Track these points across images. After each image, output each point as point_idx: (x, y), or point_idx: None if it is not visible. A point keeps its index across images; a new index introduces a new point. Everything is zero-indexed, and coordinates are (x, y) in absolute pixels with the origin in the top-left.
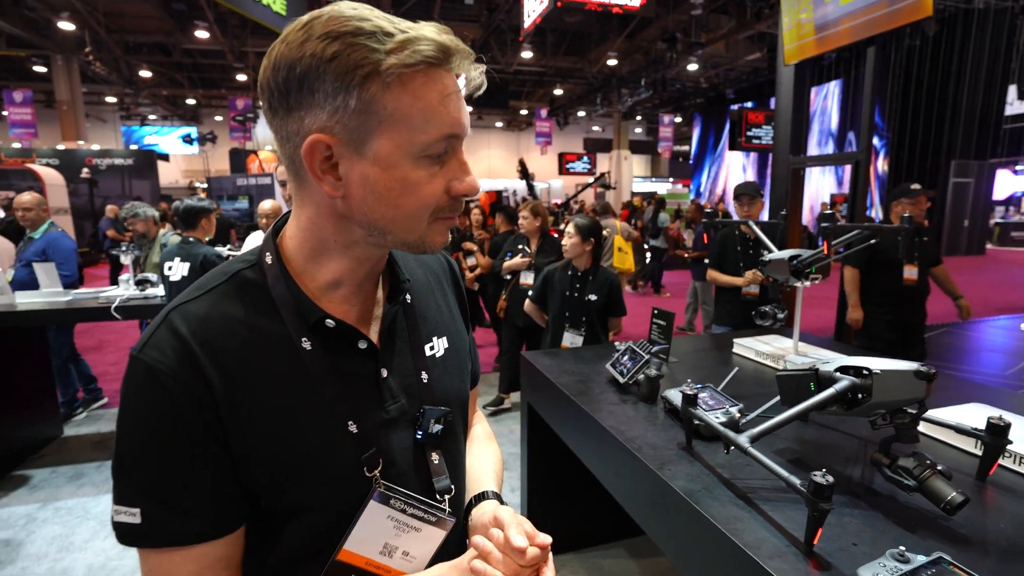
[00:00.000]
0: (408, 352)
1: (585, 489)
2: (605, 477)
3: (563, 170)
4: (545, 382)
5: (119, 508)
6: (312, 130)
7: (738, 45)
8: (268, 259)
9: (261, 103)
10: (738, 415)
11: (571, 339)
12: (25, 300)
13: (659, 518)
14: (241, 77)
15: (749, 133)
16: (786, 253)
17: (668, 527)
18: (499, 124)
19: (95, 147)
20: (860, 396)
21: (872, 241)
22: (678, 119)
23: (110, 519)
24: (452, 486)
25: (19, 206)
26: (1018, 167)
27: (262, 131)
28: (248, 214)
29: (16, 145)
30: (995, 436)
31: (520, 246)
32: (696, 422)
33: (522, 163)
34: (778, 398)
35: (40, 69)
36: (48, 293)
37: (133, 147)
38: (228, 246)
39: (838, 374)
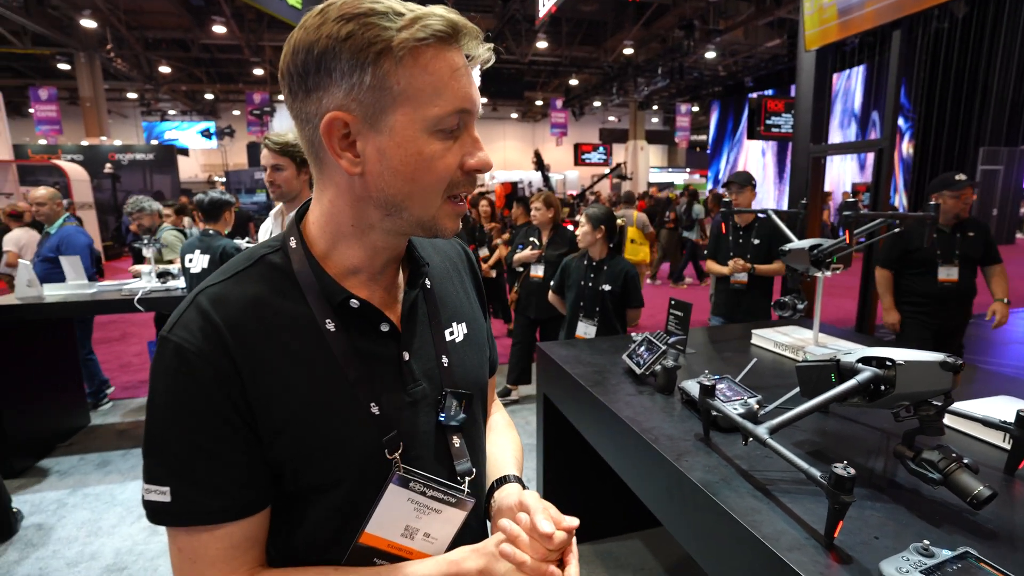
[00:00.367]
0: (429, 337)
1: (600, 480)
2: (621, 468)
3: (579, 161)
4: (561, 373)
5: (149, 487)
6: (330, 108)
7: (757, 31)
8: (292, 243)
9: (282, 90)
10: (756, 406)
11: (585, 329)
12: (52, 292)
13: (676, 509)
14: (258, 71)
15: (768, 121)
16: (806, 242)
17: (685, 519)
18: (514, 115)
19: (117, 143)
20: (883, 388)
21: (896, 230)
22: (695, 108)
23: (141, 499)
24: (473, 469)
25: (33, 201)
26: None
27: (279, 125)
28: (266, 207)
29: (42, 142)
30: None
31: (531, 238)
32: (714, 413)
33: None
34: (797, 389)
35: (64, 67)
36: (74, 285)
37: (154, 142)
38: (247, 239)
39: (860, 365)
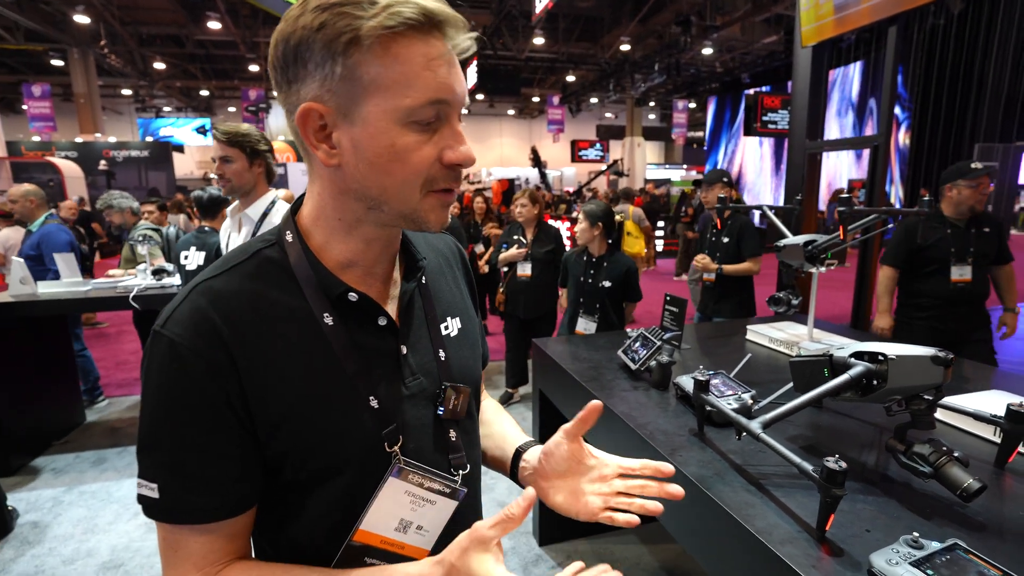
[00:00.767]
0: (425, 331)
1: None
2: None
3: (576, 157)
4: (557, 369)
5: (141, 482)
6: (306, 99)
7: (754, 28)
8: (288, 237)
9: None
10: (751, 401)
11: (585, 324)
12: (47, 290)
13: (670, 504)
14: (253, 68)
15: (765, 118)
16: (801, 238)
17: (679, 513)
18: (511, 112)
19: (112, 139)
20: (875, 382)
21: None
22: (692, 105)
23: (136, 496)
24: (468, 463)
25: (8, 198)
26: None
27: (275, 121)
28: None
29: (36, 138)
30: (1015, 423)
31: (515, 236)
32: (708, 408)
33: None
34: (791, 384)
35: (57, 63)
36: (68, 283)
37: (149, 139)
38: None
39: (853, 359)
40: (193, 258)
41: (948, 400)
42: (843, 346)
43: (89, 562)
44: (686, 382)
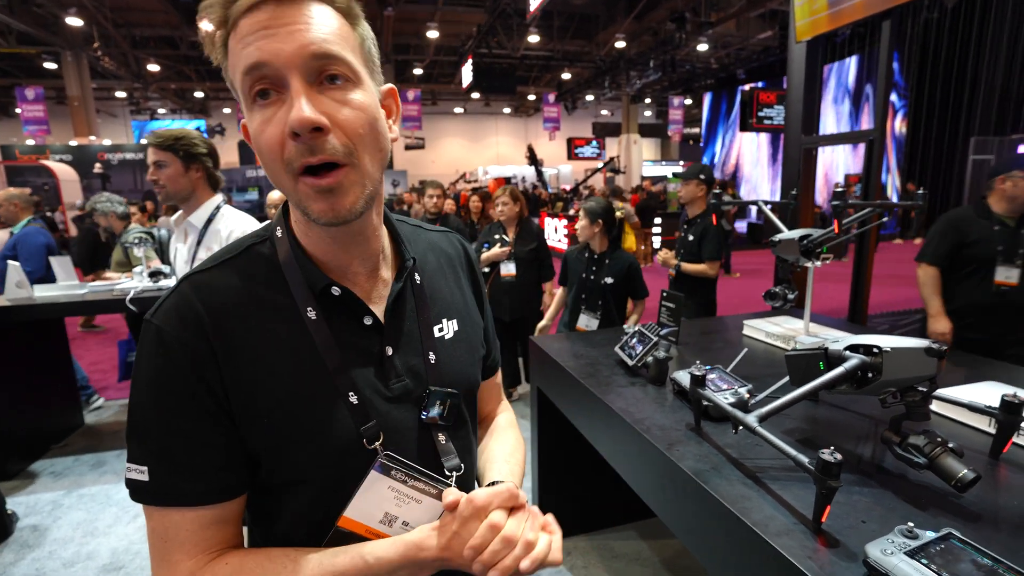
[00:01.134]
0: (416, 332)
1: (595, 472)
2: (615, 459)
3: (572, 155)
4: (554, 365)
5: (130, 466)
6: None
7: (749, 23)
8: (279, 233)
9: None
10: (747, 396)
11: (587, 322)
12: (43, 293)
13: (668, 499)
14: None
15: (760, 113)
16: (796, 233)
17: (677, 507)
18: (507, 110)
19: (107, 142)
20: (870, 375)
21: (885, 219)
22: (688, 101)
23: (125, 481)
24: (462, 465)
25: None
26: None
27: None
28: (259, 205)
29: (30, 142)
30: (1009, 414)
31: (496, 235)
32: (705, 403)
33: (531, 149)
34: (787, 378)
35: (50, 66)
36: (65, 286)
37: (143, 141)
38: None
39: (847, 352)
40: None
41: (943, 391)
42: (838, 339)
43: (89, 565)
44: (683, 377)
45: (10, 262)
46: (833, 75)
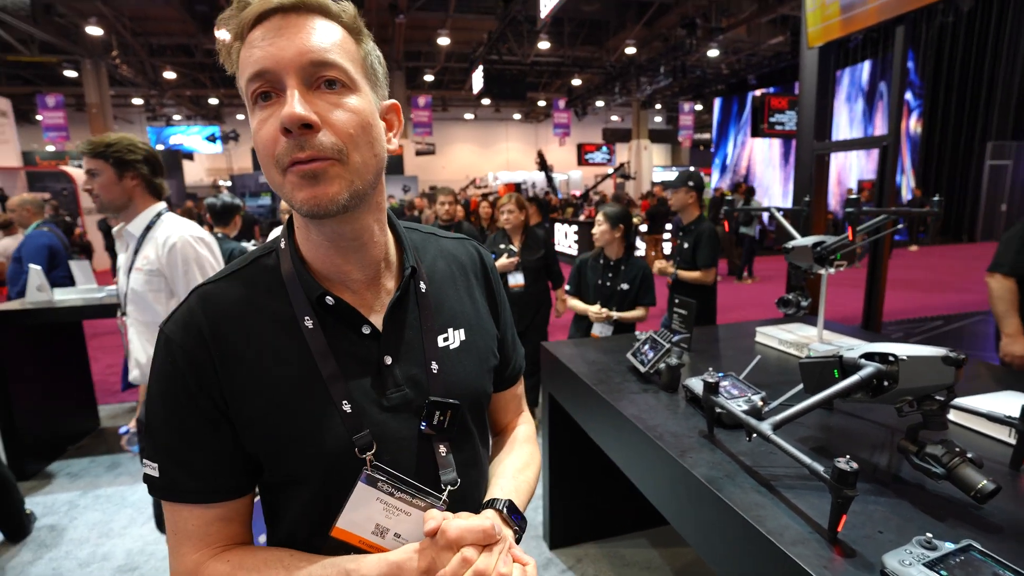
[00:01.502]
0: (418, 342)
1: (606, 479)
2: (627, 466)
3: (582, 161)
4: (566, 372)
5: (146, 462)
6: None
7: (760, 29)
8: (282, 244)
9: None
10: (760, 403)
11: (601, 329)
12: (63, 296)
13: (681, 506)
14: None
15: (772, 119)
16: (809, 240)
17: (690, 515)
18: (517, 116)
19: None
20: (886, 383)
21: (900, 226)
22: (699, 107)
23: (142, 476)
24: (458, 479)
25: (8, 207)
26: None
27: None
28: (271, 210)
29: (50, 148)
30: None
31: (502, 245)
32: (718, 410)
33: (540, 155)
34: (801, 386)
35: (71, 74)
36: (84, 289)
37: (159, 147)
38: (252, 241)
39: (863, 360)
40: None
41: (961, 401)
42: (853, 347)
43: (105, 565)
44: (695, 384)
45: (32, 266)
46: (846, 74)
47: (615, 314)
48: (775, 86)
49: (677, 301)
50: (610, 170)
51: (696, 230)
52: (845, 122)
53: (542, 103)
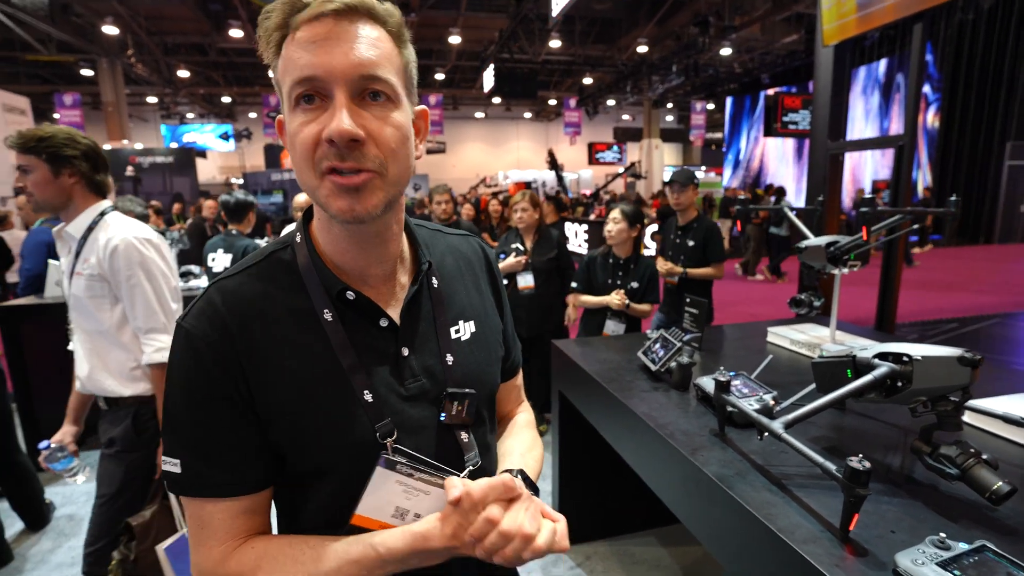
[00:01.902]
0: (433, 334)
1: (616, 477)
2: (637, 463)
3: (592, 160)
4: (576, 370)
5: (166, 459)
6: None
7: (774, 27)
8: (298, 238)
9: None
10: (772, 402)
11: (613, 327)
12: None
13: (692, 504)
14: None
15: (785, 118)
16: (823, 239)
17: (701, 513)
18: (527, 115)
19: (139, 146)
20: (899, 383)
21: (917, 226)
22: (711, 106)
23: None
24: (480, 460)
25: (16, 204)
26: None
27: None
28: (283, 208)
29: None
30: None
31: (513, 244)
32: (729, 409)
33: (551, 154)
34: (813, 386)
35: (87, 73)
36: None
37: (173, 145)
38: (266, 238)
39: (876, 360)
40: (220, 260)
41: (976, 402)
42: (866, 347)
43: None
44: (707, 383)
45: (51, 261)
46: (862, 67)
47: (627, 301)
48: (788, 85)
49: (689, 300)
50: (621, 169)
51: (701, 227)
52: (860, 115)
53: (553, 102)
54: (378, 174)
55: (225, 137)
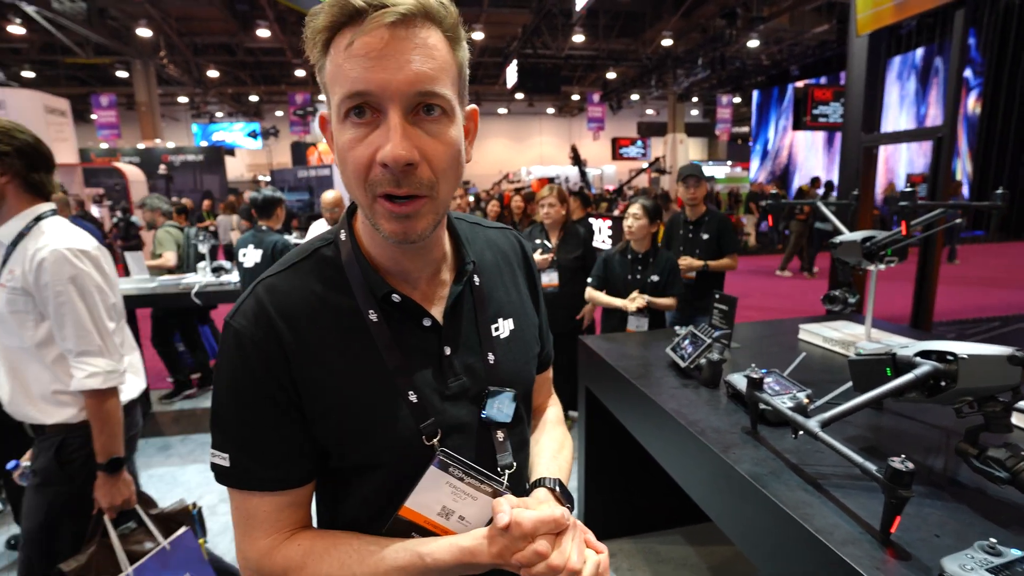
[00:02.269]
0: (474, 332)
1: (642, 474)
2: (666, 461)
3: (616, 155)
4: (604, 366)
5: (214, 452)
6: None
7: (804, 17)
8: (343, 236)
9: None
10: (806, 400)
11: (636, 323)
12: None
13: (723, 502)
14: (300, 73)
15: (815, 111)
16: (859, 235)
17: (733, 511)
18: (550, 110)
19: (170, 144)
20: (943, 383)
21: (958, 221)
22: (737, 99)
23: (210, 465)
24: (514, 463)
25: None
26: None
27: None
28: (308, 204)
29: (104, 146)
30: None
31: (538, 240)
32: (762, 406)
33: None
34: (849, 384)
35: (122, 74)
36: (137, 280)
37: (203, 144)
38: (295, 234)
39: (918, 359)
40: (250, 256)
41: None
42: (907, 345)
43: None
44: (738, 380)
45: None
46: (898, 55)
47: (647, 297)
48: (818, 77)
49: (718, 296)
50: (645, 165)
51: (713, 220)
52: (895, 102)
53: (576, 97)
54: (429, 198)
55: (253, 135)
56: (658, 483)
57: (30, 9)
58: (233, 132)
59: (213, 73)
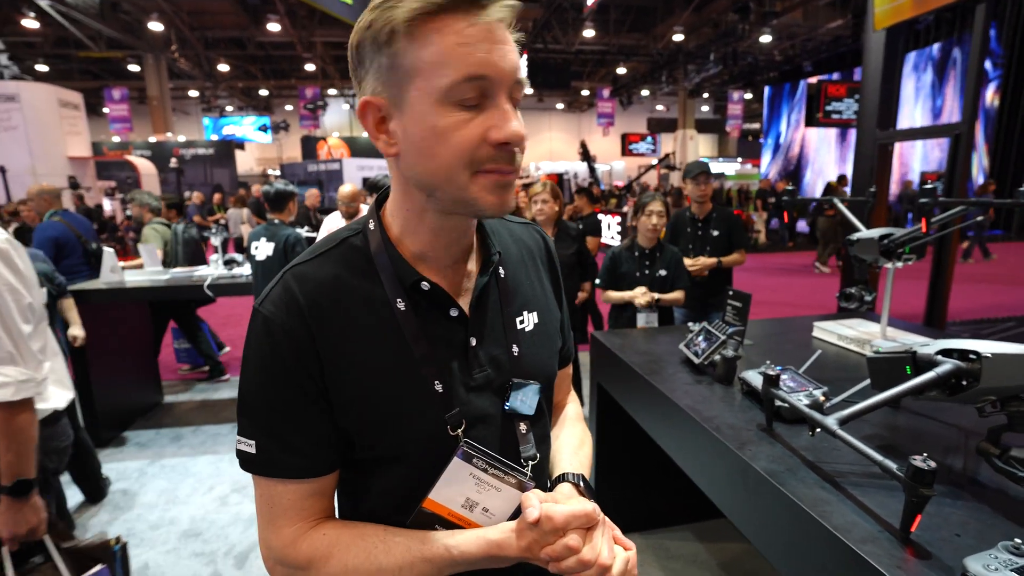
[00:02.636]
0: (500, 325)
1: (652, 470)
2: (680, 457)
3: (626, 151)
4: (616, 361)
5: (240, 439)
6: (366, 94)
7: (817, 12)
8: (371, 225)
9: None
10: (822, 398)
11: (646, 318)
12: (132, 279)
13: (738, 499)
14: (310, 67)
15: (828, 107)
16: (876, 232)
17: (748, 508)
18: (560, 106)
19: (181, 138)
20: (965, 382)
21: (980, 219)
22: (748, 95)
23: (235, 451)
24: (537, 454)
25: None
26: None
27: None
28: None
29: (116, 139)
30: None
31: None
32: (777, 403)
33: (583, 145)
34: (866, 382)
35: (134, 68)
36: (151, 272)
37: (214, 137)
38: (306, 227)
39: (940, 357)
40: (263, 249)
41: None
42: (928, 343)
43: (172, 529)
44: (753, 377)
45: (105, 248)
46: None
47: (657, 295)
48: (831, 73)
49: (732, 293)
50: (654, 161)
51: (722, 216)
52: (910, 94)
53: (586, 92)
54: (517, 175)
55: (263, 129)
56: (668, 479)
57: (44, 3)
58: (243, 126)
59: (224, 67)
